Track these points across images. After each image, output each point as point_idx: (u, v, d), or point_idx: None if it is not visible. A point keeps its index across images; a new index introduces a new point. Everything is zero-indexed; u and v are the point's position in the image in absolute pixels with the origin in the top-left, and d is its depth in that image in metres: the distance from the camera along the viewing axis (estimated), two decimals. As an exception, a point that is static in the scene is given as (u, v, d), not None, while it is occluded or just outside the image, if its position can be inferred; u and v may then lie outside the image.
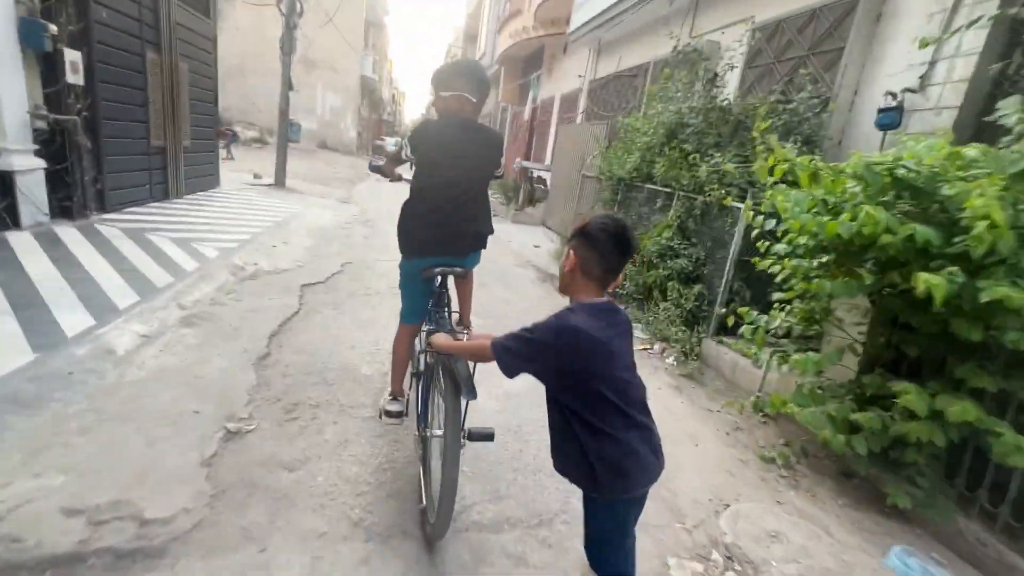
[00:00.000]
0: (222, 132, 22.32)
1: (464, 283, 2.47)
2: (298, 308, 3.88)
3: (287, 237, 6.04)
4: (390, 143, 41.77)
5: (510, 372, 1.32)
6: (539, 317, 1.35)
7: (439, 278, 2.20)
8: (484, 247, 2.31)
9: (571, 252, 1.33)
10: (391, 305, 4.06)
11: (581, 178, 7.61)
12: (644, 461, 1.26)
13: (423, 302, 2.26)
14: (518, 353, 1.30)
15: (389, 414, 2.32)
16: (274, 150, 9.90)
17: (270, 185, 9.77)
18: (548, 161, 12.59)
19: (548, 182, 11.64)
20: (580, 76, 10.56)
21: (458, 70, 2.10)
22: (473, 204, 2.15)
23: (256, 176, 10.96)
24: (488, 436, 1.77)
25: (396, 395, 2.37)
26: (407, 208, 2.14)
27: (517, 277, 6.24)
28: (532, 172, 11.45)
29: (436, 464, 1.78)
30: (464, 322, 2.55)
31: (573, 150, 8.97)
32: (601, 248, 1.28)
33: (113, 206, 5.18)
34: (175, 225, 5.47)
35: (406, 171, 2.37)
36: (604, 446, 1.23)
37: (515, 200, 11.90)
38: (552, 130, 12.69)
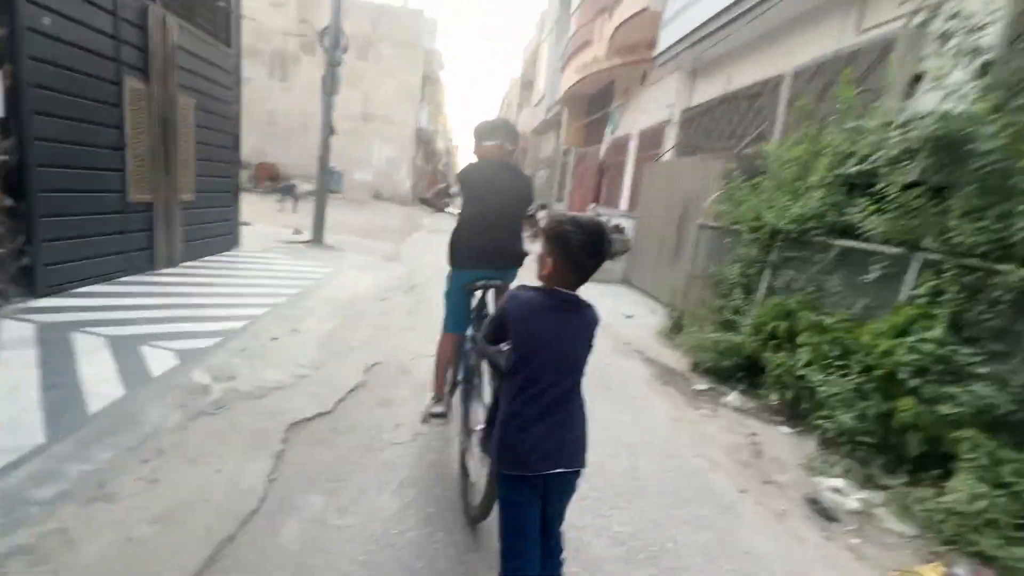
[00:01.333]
0: (273, 181, 22.65)
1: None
2: (262, 497, 2.04)
3: (300, 319, 4.38)
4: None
5: (493, 340, 1.50)
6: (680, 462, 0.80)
7: (480, 292, 2.53)
8: (521, 265, 2.65)
9: (548, 260, 1.39)
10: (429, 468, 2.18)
11: (696, 228, 5.61)
12: (544, 447, 1.31)
13: (464, 312, 2.57)
14: (493, 327, 1.49)
15: (434, 415, 2.60)
16: (336, 206, 8.69)
17: (307, 242, 8.43)
18: (623, 206, 10.71)
19: (627, 231, 9.70)
20: (669, 106, 8.78)
21: (496, 125, 2.67)
22: (510, 227, 2.61)
23: (296, 232, 9.77)
24: None
25: (439, 398, 2.65)
26: (457, 231, 2.55)
27: (623, 376, 4.21)
28: (608, 220, 9.59)
29: (474, 464, 2.03)
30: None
31: (669, 192, 7.04)
32: (575, 256, 1.36)
33: (50, 287, 3.71)
34: (137, 312, 3.88)
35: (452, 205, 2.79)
36: (510, 418, 1.35)
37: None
38: (628, 171, 10.89)
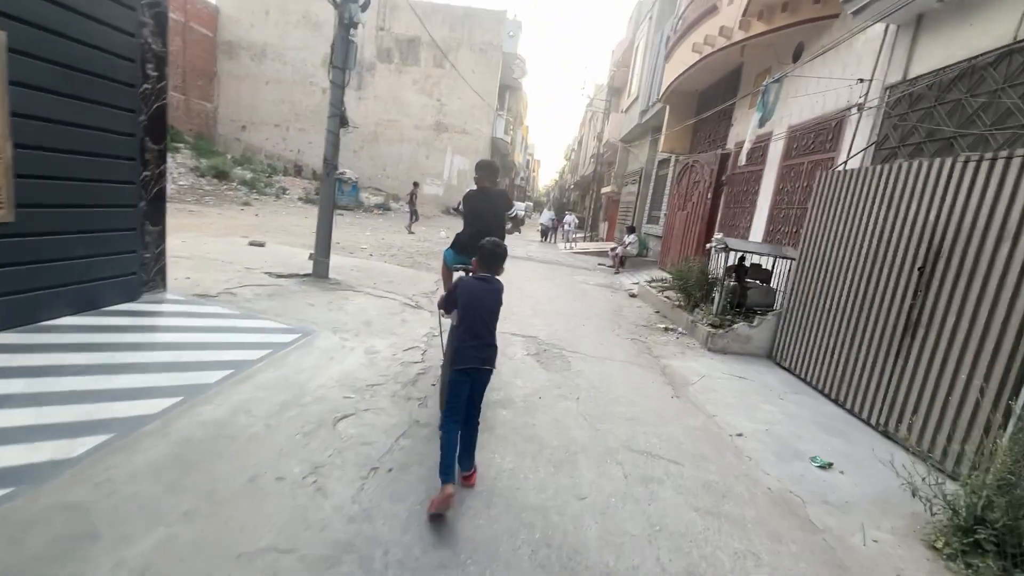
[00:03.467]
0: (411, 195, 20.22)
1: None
2: None
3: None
4: (519, 207, 39.54)
5: (447, 309, 2.73)
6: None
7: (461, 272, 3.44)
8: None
9: (475, 259, 2.69)
10: None
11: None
12: (469, 354, 2.38)
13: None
14: (449, 299, 2.67)
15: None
16: (395, 217, 6.50)
17: (304, 277, 6.12)
18: (755, 234, 7.43)
19: (774, 275, 6.43)
20: (857, 84, 5.50)
21: (481, 166, 3.78)
22: (490, 232, 3.21)
23: (311, 257, 7.60)
24: None
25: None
26: (461, 233, 3.66)
27: None
28: (743, 258, 6.40)
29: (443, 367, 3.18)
30: None
31: (880, 219, 3.86)
32: (482, 255, 2.59)
33: None
34: None
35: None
36: (456, 342, 2.45)
37: (705, 305, 6.86)
38: (767, 186, 7.61)
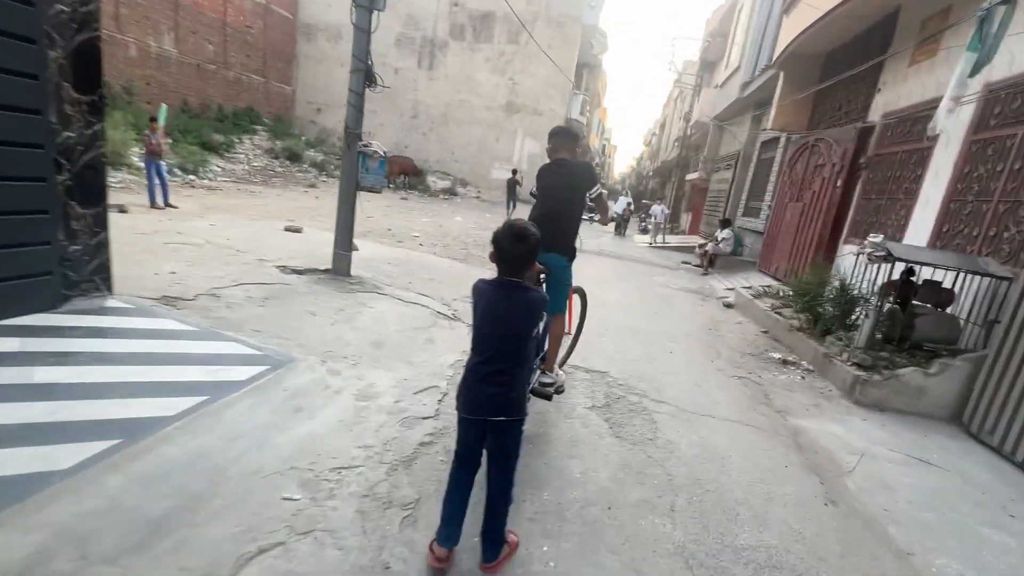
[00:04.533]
0: (407, 177, 20.58)
1: (552, 326, 2.85)
2: None
3: None
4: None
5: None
6: None
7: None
8: (561, 252, 2.82)
9: (489, 254, 1.78)
10: None
11: None
12: (473, 394, 1.67)
13: None
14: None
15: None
16: (461, 203, 5.66)
17: (322, 274, 5.04)
18: (919, 238, 5.39)
19: (960, 298, 4.45)
20: None
21: (555, 133, 3.03)
22: (553, 216, 2.77)
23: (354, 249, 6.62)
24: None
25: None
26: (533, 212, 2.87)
27: None
28: (912, 271, 4.46)
29: None
30: (547, 364, 2.81)
31: None
32: (498, 248, 1.71)
33: None
34: None
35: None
36: (466, 370, 1.74)
37: (843, 333, 5.01)
38: (939, 170, 5.49)
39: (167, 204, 8.36)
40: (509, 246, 1.68)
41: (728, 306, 7.72)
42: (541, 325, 1.74)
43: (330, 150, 23.25)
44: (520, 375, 1.70)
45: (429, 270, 6.41)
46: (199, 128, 17.63)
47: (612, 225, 18.47)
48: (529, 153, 24.03)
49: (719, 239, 10.64)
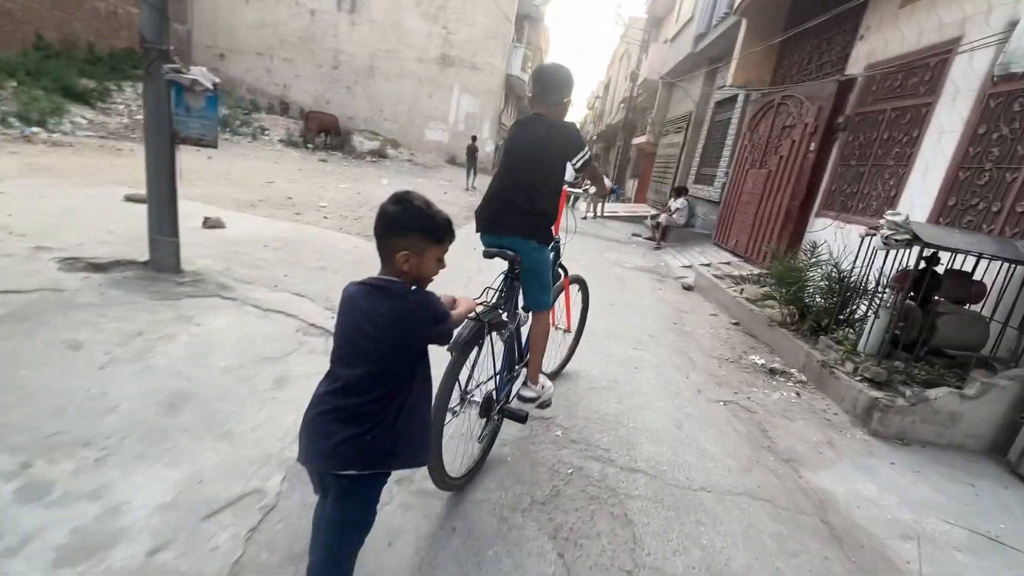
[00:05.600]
0: (327, 136, 18.13)
1: (534, 325, 2.28)
2: None
3: None
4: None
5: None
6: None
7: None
8: (532, 235, 2.08)
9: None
10: None
11: None
12: (308, 431, 1.22)
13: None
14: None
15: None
16: (392, 167, 5.84)
17: (136, 268, 3.40)
18: (919, 212, 4.46)
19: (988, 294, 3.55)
20: None
21: (535, 76, 2.17)
22: (519, 186, 2.08)
23: (206, 224, 4.94)
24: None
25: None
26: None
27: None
28: (935, 259, 3.51)
29: None
30: (531, 374, 2.30)
31: None
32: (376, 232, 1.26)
33: None
34: None
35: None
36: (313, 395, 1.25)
37: (838, 329, 4.09)
38: (944, 131, 4.58)
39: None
40: (378, 216, 1.23)
41: (688, 288, 6.75)
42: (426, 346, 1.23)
43: (237, 104, 20.18)
44: (382, 415, 1.19)
45: (322, 255, 4.87)
46: (58, 70, 14.35)
47: None
48: (467, 112, 22.08)
49: (672, 209, 9.66)
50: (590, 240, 9.59)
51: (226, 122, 17.70)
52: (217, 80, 3.19)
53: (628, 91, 21.65)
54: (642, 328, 4.58)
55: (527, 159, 2.06)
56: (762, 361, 4.13)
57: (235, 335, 2.84)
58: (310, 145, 18.24)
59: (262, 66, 21.81)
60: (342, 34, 21.35)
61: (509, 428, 2.33)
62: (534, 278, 2.16)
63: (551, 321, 2.38)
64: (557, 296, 2.49)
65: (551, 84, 2.09)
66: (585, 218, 12.24)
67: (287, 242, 5.07)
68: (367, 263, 4.68)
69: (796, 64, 7.96)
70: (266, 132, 18.57)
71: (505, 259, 2.08)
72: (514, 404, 2.21)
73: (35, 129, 10.26)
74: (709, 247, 9.28)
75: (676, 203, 9.61)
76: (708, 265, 7.74)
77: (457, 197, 12.28)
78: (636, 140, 19.76)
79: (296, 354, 2.78)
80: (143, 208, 3.35)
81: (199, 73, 2.99)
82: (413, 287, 1.23)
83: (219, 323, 2.94)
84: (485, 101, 21.91)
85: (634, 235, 10.73)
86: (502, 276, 2.13)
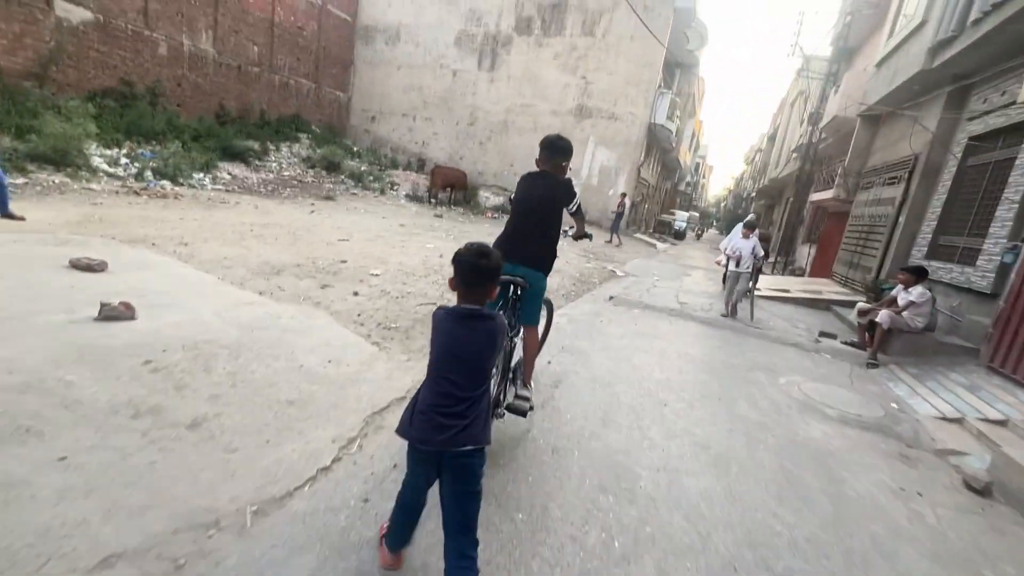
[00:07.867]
0: (453, 192, 17.72)
1: (528, 338, 2.93)
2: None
3: None
4: (681, 218, 32.09)
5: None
6: None
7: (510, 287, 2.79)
8: (539, 267, 2.86)
9: (449, 280, 1.71)
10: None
11: None
12: (428, 425, 1.55)
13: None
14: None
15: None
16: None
17: None
18: None
19: None
20: None
21: (545, 144, 2.91)
22: (532, 229, 2.83)
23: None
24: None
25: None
26: (503, 232, 2.95)
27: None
28: None
29: None
30: (526, 377, 2.92)
31: None
32: (459, 270, 1.65)
33: None
34: None
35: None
36: (418, 395, 1.64)
37: None
38: None
39: (4, 215, 5.69)
40: (471, 268, 1.65)
41: (978, 491, 3.21)
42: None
43: (376, 160, 20.93)
44: (480, 403, 1.63)
45: (217, 390, 2.74)
46: (226, 133, 15.85)
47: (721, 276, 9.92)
48: (601, 165, 19.95)
49: (904, 303, 5.88)
50: (736, 338, 6.23)
51: (360, 177, 18.13)
52: None
53: (806, 136, 17.44)
54: None
55: (538, 207, 2.80)
56: None
57: None
58: (433, 200, 17.68)
59: (405, 126, 22.64)
60: (480, 91, 21.20)
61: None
62: (534, 300, 2.84)
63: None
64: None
65: (556, 150, 2.87)
66: (724, 314, 7.82)
67: (206, 356, 3.06)
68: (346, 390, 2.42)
69: None
70: (395, 187, 18.61)
71: (514, 284, 2.71)
72: (514, 402, 2.72)
73: (164, 183, 10.64)
74: (976, 371, 5.29)
75: (914, 292, 5.81)
76: (1003, 423, 3.99)
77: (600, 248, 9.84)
78: (816, 196, 15.40)
79: None
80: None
81: None
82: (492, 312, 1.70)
83: None
84: (623, 153, 19.59)
85: (823, 335, 6.98)
86: (499, 300, 2.68)
